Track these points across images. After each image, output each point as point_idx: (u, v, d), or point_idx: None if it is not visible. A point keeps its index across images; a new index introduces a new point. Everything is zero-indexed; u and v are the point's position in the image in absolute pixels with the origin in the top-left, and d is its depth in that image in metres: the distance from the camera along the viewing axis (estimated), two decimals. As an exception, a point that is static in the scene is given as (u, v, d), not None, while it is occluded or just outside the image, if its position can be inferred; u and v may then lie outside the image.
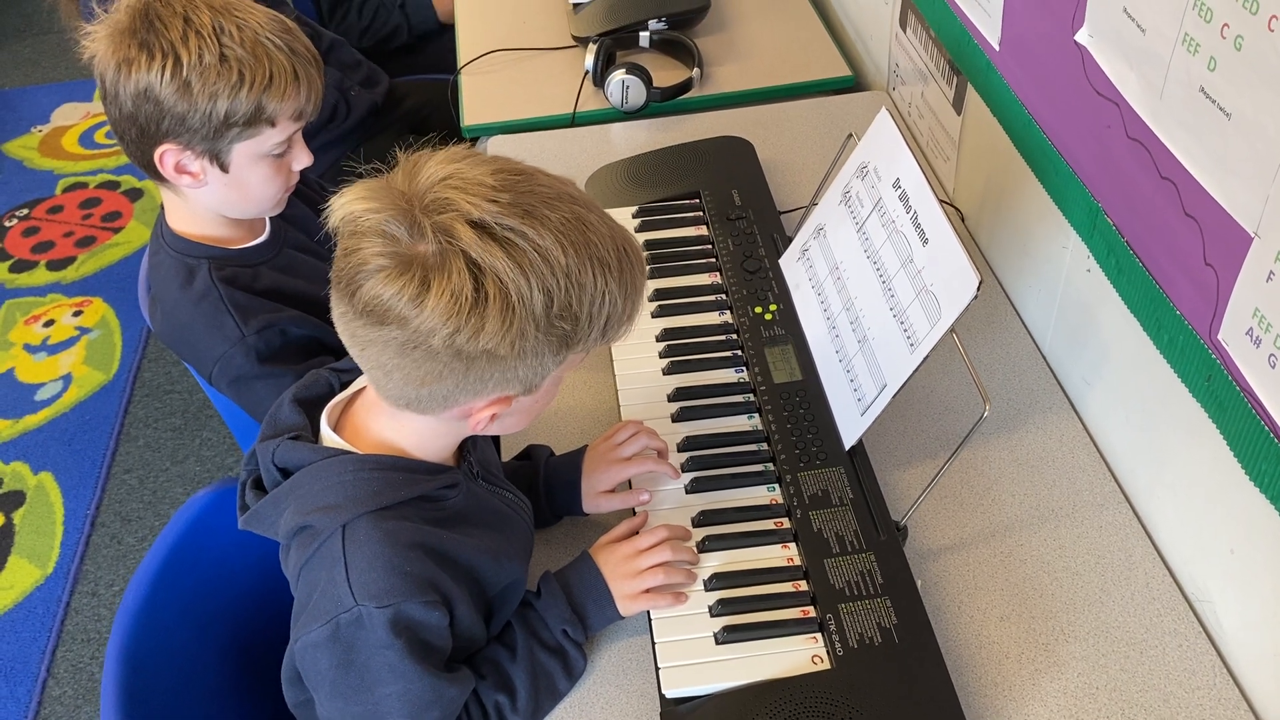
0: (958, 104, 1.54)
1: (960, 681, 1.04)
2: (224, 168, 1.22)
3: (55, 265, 2.97)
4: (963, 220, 1.58)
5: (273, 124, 1.21)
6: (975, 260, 1.49)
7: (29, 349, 2.73)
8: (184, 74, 1.15)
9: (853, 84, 1.93)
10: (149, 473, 2.41)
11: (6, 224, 3.13)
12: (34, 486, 2.40)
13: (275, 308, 1.28)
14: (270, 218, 1.36)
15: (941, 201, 1.59)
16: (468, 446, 1.03)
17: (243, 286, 1.28)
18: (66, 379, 2.64)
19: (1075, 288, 1.26)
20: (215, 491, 1.14)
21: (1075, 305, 1.27)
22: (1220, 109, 0.90)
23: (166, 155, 1.20)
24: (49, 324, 2.79)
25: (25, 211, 3.17)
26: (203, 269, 1.27)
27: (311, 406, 1.00)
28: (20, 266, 2.98)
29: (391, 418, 0.94)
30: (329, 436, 0.96)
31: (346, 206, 0.84)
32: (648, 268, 0.95)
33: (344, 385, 1.02)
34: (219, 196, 1.25)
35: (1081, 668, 1.05)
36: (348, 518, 0.91)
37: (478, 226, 0.81)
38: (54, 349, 2.72)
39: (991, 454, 1.26)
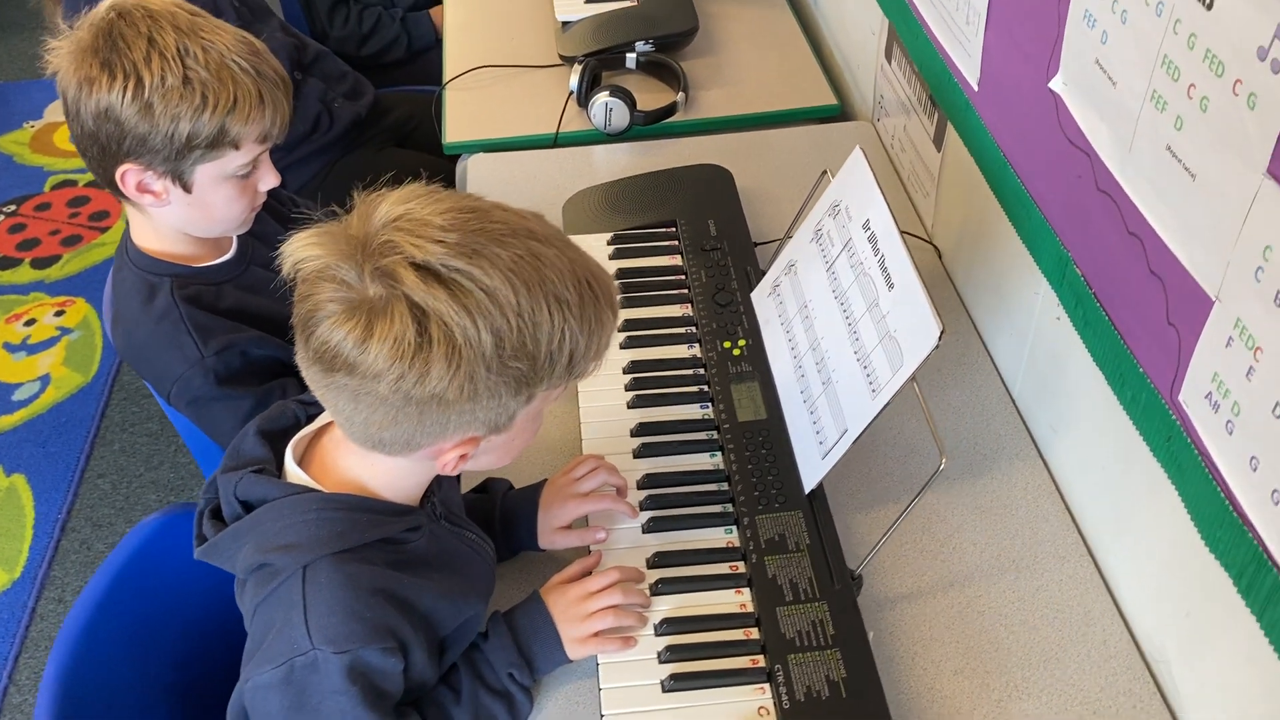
0: (938, 140, 1.53)
1: (910, 737, 1.03)
2: (187, 188, 1.20)
3: (40, 264, 2.95)
4: (940, 258, 1.56)
5: (236, 146, 1.19)
6: (950, 299, 1.49)
7: (9, 348, 2.71)
8: (146, 95, 1.14)
9: (839, 113, 1.92)
10: (122, 478, 2.39)
11: (-7, 220, 3.12)
12: (5, 488, 2.38)
13: (237, 328, 1.27)
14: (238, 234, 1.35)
15: (919, 239, 1.58)
16: (432, 486, 1.01)
17: (205, 305, 1.27)
18: (44, 380, 2.62)
19: (1045, 335, 1.25)
20: (164, 517, 1.13)
21: (1045, 352, 1.26)
22: (1186, 169, 0.89)
23: (128, 174, 1.18)
24: (30, 323, 2.77)
25: (13, 208, 3.16)
26: (164, 287, 1.26)
27: (277, 439, 0.98)
28: (4, 264, 2.96)
29: (360, 456, 0.93)
30: (293, 472, 0.95)
31: (298, 253, 0.83)
32: (619, 298, 0.93)
33: (310, 418, 1.01)
34: (182, 216, 1.24)
35: (1034, 726, 1.04)
36: (309, 559, 0.90)
37: (421, 269, 0.80)
38: (34, 349, 2.71)
39: (955, 500, 1.24)
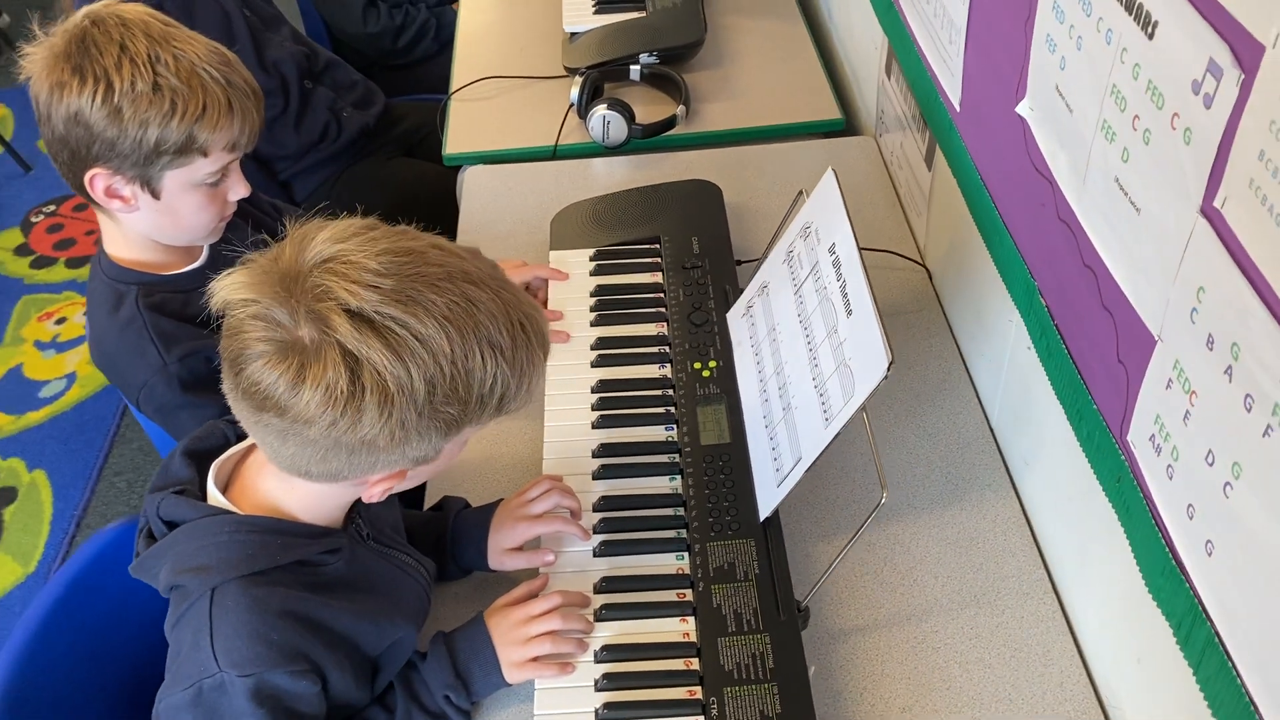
0: (928, 159, 1.50)
1: (849, 776, 1.00)
2: (155, 194, 1.22)
3: (74, 263, 3.02)
4: (930, 279, 1.53)
5: (205, 154, 1.20)
6: (938, 322, 1.46)
7: (39, 345, 2.78)
8: (115, 100, 1.15)
9: (843, 127, 1.89)
10: (138, 476, 2.43)
11: (33, 219, 3.20)
12: (27, 484, 2.44)
13: (201, 334, 1.28)
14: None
15: (912, 260, 1.55)
16: (357, 508, 1.01)
17: (171, 313, 1.28)
18: (70, 377, 2.68)
19: (1018, 364, 1.21)
20: (119, 528, 1.14)
21: (1018, 382, 1.22)
22: (1131, 202, 0.86)
23: (96, 179, 1.20)
24: (60, 321, 2.84)
25: (52, 208, 3.23)
26: (130, 295, 1.27)
27: (203, 459, 0.99)
28: (41, 263, 3.03)
29: (280, 479, 0.93)
30: (212, 494, 0.95)
31: (227, 294, 0.83)
32: (551, 336, 0.93)
33: (240, 437, 1.01)
34: (151, 222, 1.25)
35: (979, 770, 1.01)
36: (218, 581, 0.90)
37: (356, 316, 0.80)
38: (62, 347, 2.77)
39: (921, 531, 1.21)
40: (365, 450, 0.84)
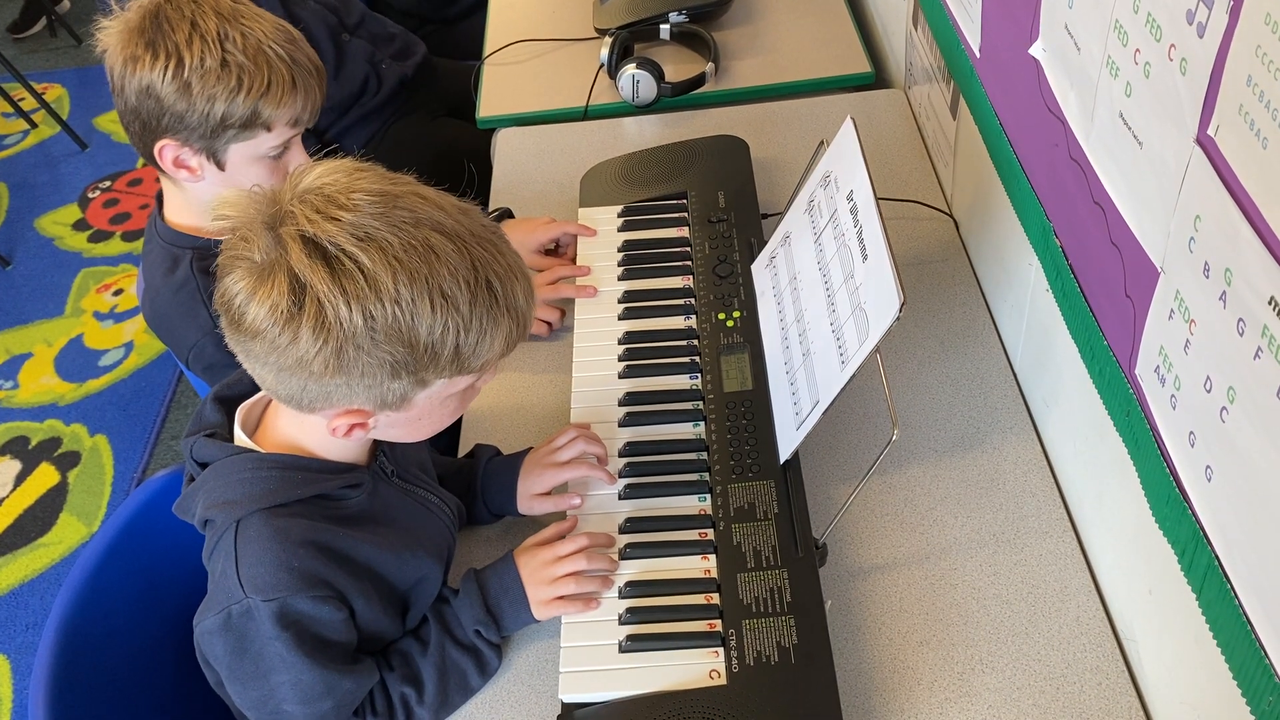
0: (953, 108, 1.50)
1: (866, 705, 1.03)
2: (220, 165, 1.27)
3: (129, 236, 3.12)
4: (958, 230, 1.54)
5: (268, 128, 1.25)
6: (964, 271, 1.47)
7: (98, 316, 2.88)
8: (185, 75, 1.20)
9: (873, 81, 1.89)
10: (194, 440, 2.51)
11: (90, 195, 3.30)
12: (89, 448, 2.53)
13: (250, 299, 1.33)
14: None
15: (939, 210, 1.56)
16: (383, 447, 1.05)
17: (224, 277, 1.33)
18: (128, 346, 2.78)
19: (1038, 307, 1.22)
20: (168, 476, 1.20)
21: (1038, 325, 1.23)
22: (1134, 137, 0.87)
23: (165, 149, 1.25)
24: (118, 293, 2.93)
25: (108, 184, 3.33)
26: (185, 259, 1.33)
27: (232, 404, 1.04)
28: (98, 236, 3.13)
29: (294, 419, 0.98)
30: (237, 435, 1.01)
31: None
32: (532, 307, 0.95)
33: None
34: (215, 193, 1.29)
35: (993, 700, 1.03)
36: (242, 513, 0.95)
37: (310, 243, 0.84)
38: (120, 317, 2.86)
39: (942, 473, 1.23)
40: (305, 375, 0.87)
